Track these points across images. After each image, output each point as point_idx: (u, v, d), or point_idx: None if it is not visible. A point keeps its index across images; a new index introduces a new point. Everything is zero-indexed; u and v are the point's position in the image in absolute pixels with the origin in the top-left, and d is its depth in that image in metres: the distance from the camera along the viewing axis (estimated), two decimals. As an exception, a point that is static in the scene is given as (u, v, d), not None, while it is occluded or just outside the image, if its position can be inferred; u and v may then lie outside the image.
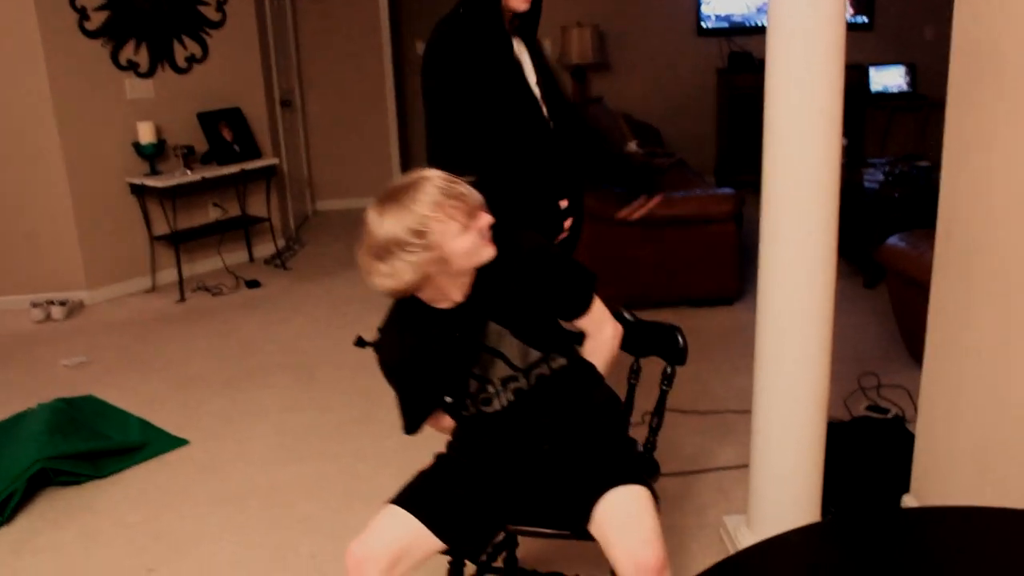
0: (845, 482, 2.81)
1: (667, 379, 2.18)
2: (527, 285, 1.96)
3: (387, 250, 1.81)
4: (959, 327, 2.34)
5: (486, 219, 1.87)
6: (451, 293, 1.91)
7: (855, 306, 4.58)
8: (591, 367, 2.06)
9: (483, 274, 1.92)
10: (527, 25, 2.54)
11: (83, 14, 5.08)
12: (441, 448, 2.09)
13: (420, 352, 1.95)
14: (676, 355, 2.15)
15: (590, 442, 2.00)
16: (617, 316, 2.15)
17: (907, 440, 2.80)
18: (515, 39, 2.49)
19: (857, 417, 3.35)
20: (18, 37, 4.92)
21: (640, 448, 2.18)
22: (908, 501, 2.62)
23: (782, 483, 2.45)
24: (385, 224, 1.82)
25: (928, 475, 2.54)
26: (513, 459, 2.01)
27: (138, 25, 5.33)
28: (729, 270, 4.50)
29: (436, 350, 1.94)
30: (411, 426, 2.05)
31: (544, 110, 2.51)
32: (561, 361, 1.99)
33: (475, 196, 1.87)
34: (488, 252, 1.88)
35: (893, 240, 3.71)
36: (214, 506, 3.07)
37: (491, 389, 1.97)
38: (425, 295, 1.91)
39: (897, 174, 5.18)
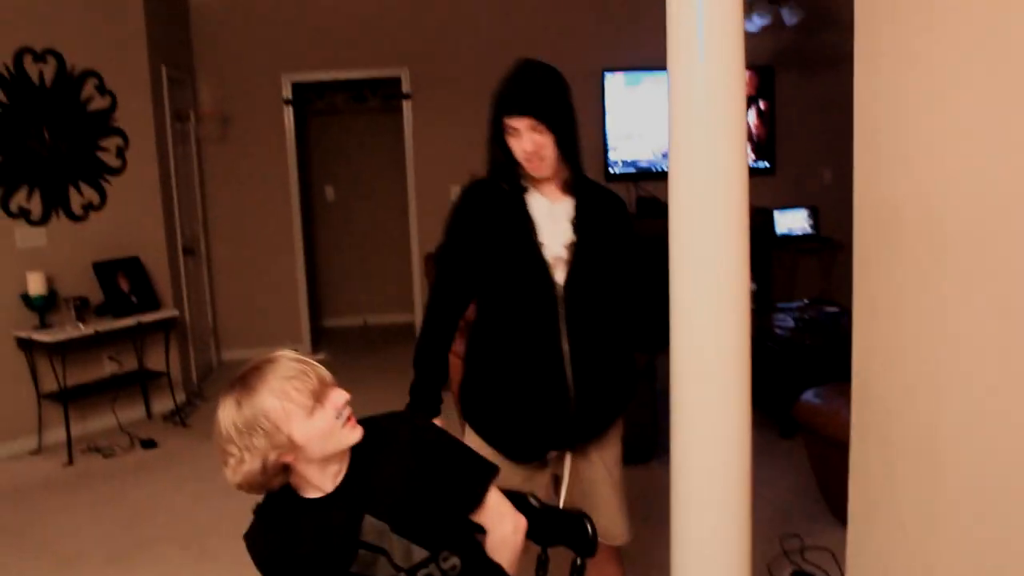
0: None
1: (577, 571, 2.02)
2: (407, 476, 1.80)
3: (228, 439, 1.68)
4: (883, 496, 2.25)
5: (339, 397, 1.73)
6: (319, 482, 1.76)
7: (772, 459, 4.49)
8: (493, 566, 1.88)
9: (357, 462, 1.78)
10: (582, 185, 2.39)
11: (-27, 162, 4.88)
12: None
13: (288, 549, 1.77)
14: (585, 546, 2.00)
15: None
16: (520, 503, 1.99)
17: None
18: (553, 199, 2.36)
19: (783, 587, 3.21)
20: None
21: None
22: None
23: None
24: (222, 412, 1.70)
25: (860, 657, 2.40)
26: None
27: (31, 171, 5.14)
28: (644, 426, 4.39)
29: (306, 547, 1.76)
30: None
31: (555, 274, 2.32)
32: (453, 561, 1.81)
33: (323, 374, 1.73)
34: (351, 436, 1.74)
35: (807, 396, 3.66)
36: None
37: None
38: (293, 482, 1.75)
39: (807, 320, 5.22)
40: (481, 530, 1.94)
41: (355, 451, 1.79)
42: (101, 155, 5.51)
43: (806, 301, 5.94)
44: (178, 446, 5.21)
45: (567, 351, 2.31)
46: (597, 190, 2.44)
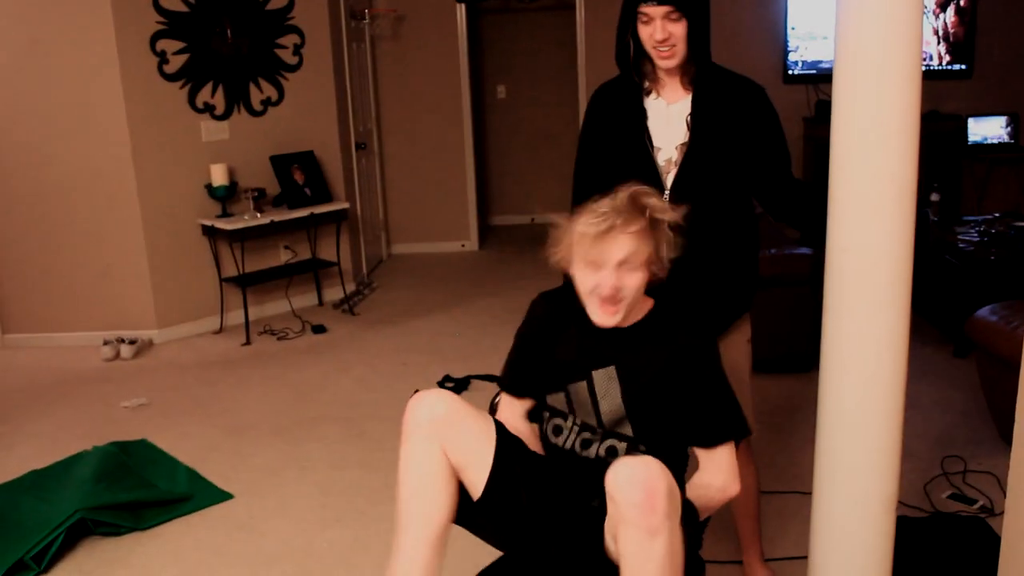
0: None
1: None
2: (661, 373, 1.89)
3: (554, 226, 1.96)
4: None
5: (604, 277, 1.84)
6: (590, 310, 1.91)
7: (942, 379, 4.26)
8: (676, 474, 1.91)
9: (641, 329, 1.92)
10: (707, 79, 2.28)
11: (163, 57, 5.15)
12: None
13: (551, 326, 2.00)
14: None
15: None
16: None
17: (992, 542, 2.53)
18: (671, 99, 2.30)
19: (935, 513, 3.06)
20: (99, 78, 5.02)
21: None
22: (991, 612, 2.35)
23: (845, 584, 2.22)
24: None
25: (1015, 584, 2.27)
26: (560, 503, 1.90)
27: (216, 68, 5.39)
28: (803, 335, 4.24)
29: (563, 337, 1.96)
30: (504, 379, 2.10)
31: (666, 179, 2.28)
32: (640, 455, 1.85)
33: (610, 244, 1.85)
34: (597, 314, 1.87)
35: (983, 312, 3.42)
36: (247, 568, 2.96)
37: (568, 422, 1.92)
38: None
39: (993, 234, 4.86)
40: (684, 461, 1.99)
41: (646, 320, 1.93)
42: (279, 52, 5.70)
43: (996, 215, 5.52)
44: (346, 333, 5.46)
45: None
46: (727, 81, 2.30)
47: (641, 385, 1.88)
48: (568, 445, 1.92)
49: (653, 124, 2.29)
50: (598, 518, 1.83)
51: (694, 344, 1.90)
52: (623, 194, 1.85)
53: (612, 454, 1.88)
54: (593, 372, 1.91)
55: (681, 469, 2.00)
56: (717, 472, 1.92)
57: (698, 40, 2.20)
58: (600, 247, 1.81)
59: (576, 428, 1.91)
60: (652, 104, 2.31)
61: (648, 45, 2.21)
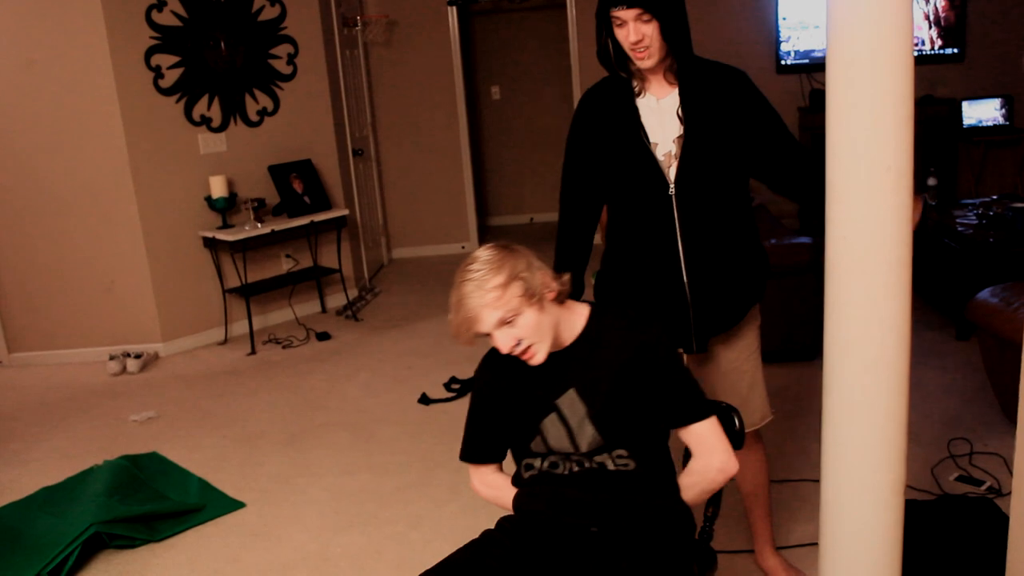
0: (930, 570, 2.56)
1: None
2: (620, 370, 1.88)
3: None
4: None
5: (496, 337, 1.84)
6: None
7: (946, 361, 4.28)
8: (666, 483, 1.93)
9: (589, 337, 1.91)
10: (690, 72, 2.29)
11: (158, 72, 5.18)
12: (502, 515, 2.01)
13: (495, 383, 1.99)
14: (732, 439, 1.99)
15: (641, 543, 1.86)
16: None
17: (1001, 522, 2.55)
18: (660, 94, 2.31)
19: (943, 495, 3.08)
20: (95, 94, 5.05)
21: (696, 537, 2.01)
22: (1002, 592, 2.37)
23: (854, 568, 2.23)
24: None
25: (1024, 563, 2.29)
26: (558, 541, 1.87)
27: (211, 81, 5.41)
28: (806, 324, 4.26)
29: (517, 377, 1.93)
30: (465, 452, 2.07)
31: (668, 173, 2.28)
32: (627, 462, 1.87)
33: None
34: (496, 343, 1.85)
35: (984, 295, 3.44)
36: (262, 575, 2.99)
37: (555, 457, 1.91)
38: None
39: (992, 216, 4.87)
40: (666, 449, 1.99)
41: (586, 331, 1.92)
42: (273, 63, 5.73)
43: (994, 197, 5.53)
44: (351, 339, 5.49)
45: (682, 253, 2.29)
46: (709, 71, 2.32)
47: (604, 394, 1.87)
48: (566, 472, 1.90)
49: (647, 121, 2.30)
50: (598, 544, 1.85)
51: (644, 339, 1.88)
52: (453, 298, 1.83)
53: (603, 466, 1.88)
54: (556, 402, 1.89)
55: (669, 471, 2.01)
56: (711, 453, 1.92)
57: (674, 37, 2.21)
58: (473, 328, 1.82)
59: (560, 459, 1.91)
60: (642, 102, 2.32)
61: (624, 47, 2.23)
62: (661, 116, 2.30)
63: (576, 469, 1.89)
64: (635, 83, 2.32)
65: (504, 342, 1.81)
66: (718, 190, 2.31)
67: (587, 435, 1.87)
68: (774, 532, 2.79)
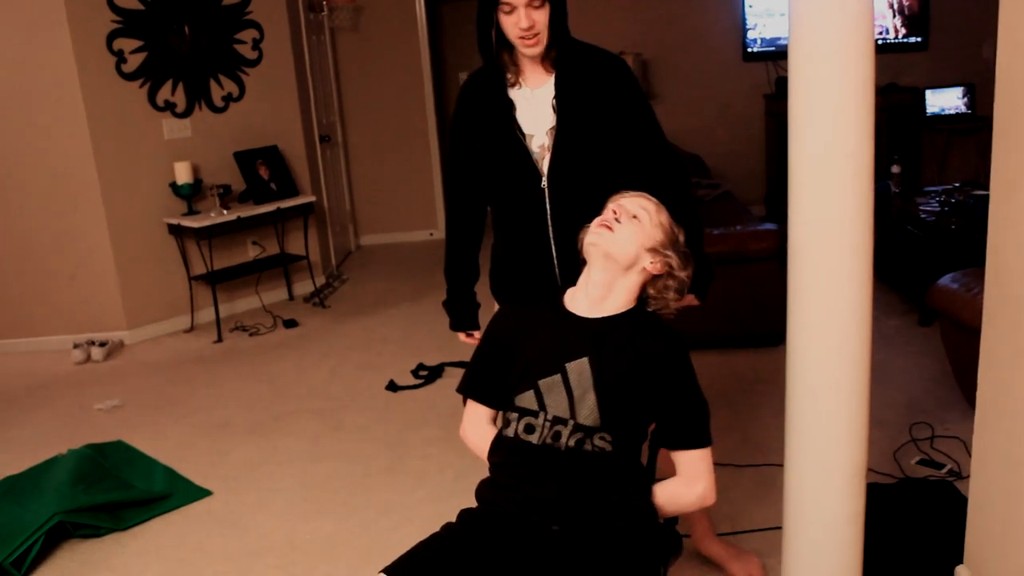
0: (891, 551, 2.61)
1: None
2: (633, 374, 1.88)
3: None
4: (1013, 380, 2.15)
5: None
6: (582, 293, 1.98)
7: (909, 346, 4.34)
8: (640, 474, 1.94)
9: (618, 326, 1.92)
10: (568, 60, 2.25)
11: (120, 57, 5.10)
12: (468, 505, 2.00)
13: (512, 334, 2.00)
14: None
15: (602, 540, 1.86)
16: None
17: (960, 504, 2.60)
18: (535, 84, 2.26)
19: (904, 479, 3.13)
20: (57, 80, 4.96)
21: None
22: (961, 573, 2.41)
23: (817, 550, 2.27)
24: None
25: (983, 544, 2.34)
26: (518, 536, 1.88)
27: (175, 66, 5.34)
28: (772, 310, 4.30)
29: (540, 326, 1.96)
30: (463, 384, 2.10)
31: (539, 163, 2.24)
32: (606, 445, 1.87)
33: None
34: (593, 234, 1.94)
35: (944, 281, 3.49)
36: (230, 563, 2.97)
37: (540, 419, 1.89)
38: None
39: (953, 204, 4.94)
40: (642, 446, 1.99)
41: (622, 316, 1.93)
42: (238, 48, 5.66)
43: (956, 184, 5.61)
44: (318, 326, 5.46)
45: (554, 247, 2.26)
46: (587, 57, 2.26)
47: (613, 378, 1.87)
48: (540, 441, 1.89)
49: (521, 113, 2.26)
50: (560, 542, 1.85)
51: (662, 353, 1.89)
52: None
53: (580, 444, 1.87)
54: (567, 365, 1.90)
55: (650, 469, 2.02)
56: (695, 480, 1.91)
57: (559, 22, 2.17)
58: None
59: (548, 423, 1.88)
60: (517, 93, 2.27)
61: (512, 35, 2.17)
62: (536, 107, 2.25)
63: (549, 442, 1.88)
64: (509, 75, 2.27)
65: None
66: (591, 183, 2.21)
67: (587, 407, 1.86)
68: (729, 519, 2.81)
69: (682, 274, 1.96)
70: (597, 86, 2.24)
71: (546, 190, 2.24)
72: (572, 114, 2.22)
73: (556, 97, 2.23)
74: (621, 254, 1.91)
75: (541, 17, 2.13)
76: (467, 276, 2.53)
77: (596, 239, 1.92)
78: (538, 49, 2.18)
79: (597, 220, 1.95)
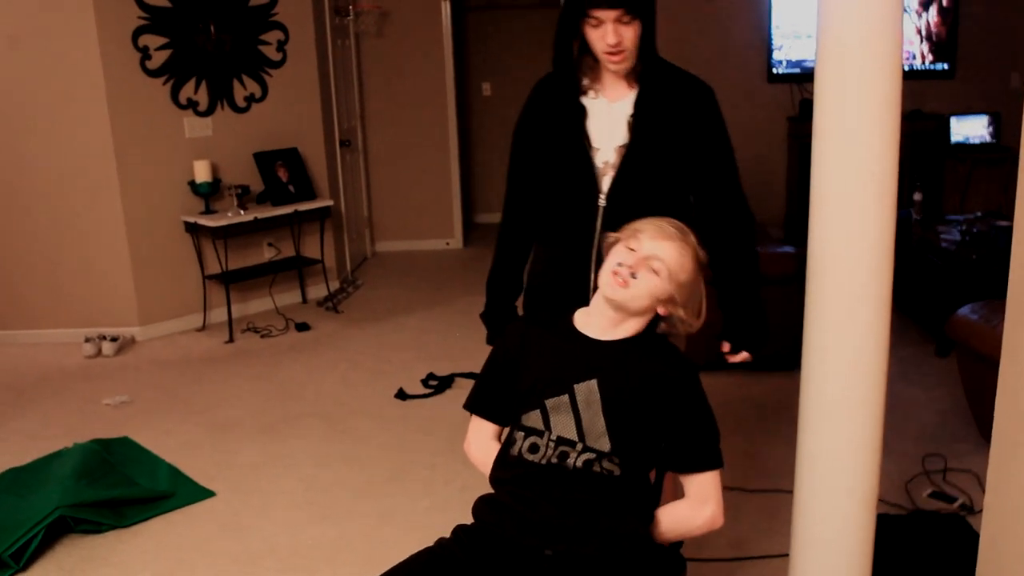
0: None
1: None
2: (644, 398, 1.85)
3: None
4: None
5: (621, 254, 1.87)
6: (594, 320, 1.93)
7: (925, 377, 4.29)
8: (643, 500, 1.88)
9: (623, 354, 1.88)
10: (653, 78, 2.17)
11: (145, 53, 5.12)
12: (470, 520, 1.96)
13: (521, 351, 1.96)
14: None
15: (597, 567, 1.81)
16: None
17: (971, 539, 2.55)
18: (613, 97, 2.19)
19: (915, 511, 3.08)
20: (81, 74, 4.98)
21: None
22: (970, 609, 2.37)
23: (826, 581, 2.23)
24: None
25: (994, 581, 2.29)
26: (510, 559, 1.84)
27: (199, 64, 5.36)
28: (789, 334, 4.25)
29: (547, 350, 1.93)
30: (470, 400, 2.05)
31: (600, 179, 2.17)
32: (614, 468, 1.83)
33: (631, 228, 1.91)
34: (608, 288, 1.86)
35: (964, 311, 3.45)
36: (230, 566, 2.95)
37: (544, 439, 1.86)
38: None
39: (975, 234, 4.89)
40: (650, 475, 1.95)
41: (634, 339, 1.89)
42: (263, 49, 5.68)
43: (978, 214, 5.55)
44: (330, 330, 5.45)
45: (593, 274, 2.14)
46: (674, 79, 2.19)
47: (622, 401, 1.84)
48: (544, 461, 1.85)
49: (592, 124, 2.18)
50: (553, 567, 1.80)
51: (672, 376, 1.86)
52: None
53: (589, 466, 1.83)
54: (575, 386, 1.86)
55: (649, 489, 1.99)
56: (704, 503, 1.87)
57: (648, 39, 2.12)
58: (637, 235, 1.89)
59: (553, 443, 1.85)
60: (593, 103, 2.20)
61: (597, 49, 2.10)
62: (610, 120, 2.18)
63: (555, 461, 1.84)
64: (586, 80, 2.20)
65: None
66: (651, 211, 2.01)
67: (597, 430, 1.83)
68: (748, 542, 2.77)
69: (694, 323, 1.92)
70: (679, 111, 2.17)
71: (601, 208, 2.17)
72: (647, 135, 2.14)
73: (634, 115, 2.16)
74: (634, 306, 1.86)
75: (630, 33, 2.07)
76: (510, 289, 2.43)
77: (611, 293, 1.85)
78: (625, 66, 2.13)
79: (613, 270, 1.85)
